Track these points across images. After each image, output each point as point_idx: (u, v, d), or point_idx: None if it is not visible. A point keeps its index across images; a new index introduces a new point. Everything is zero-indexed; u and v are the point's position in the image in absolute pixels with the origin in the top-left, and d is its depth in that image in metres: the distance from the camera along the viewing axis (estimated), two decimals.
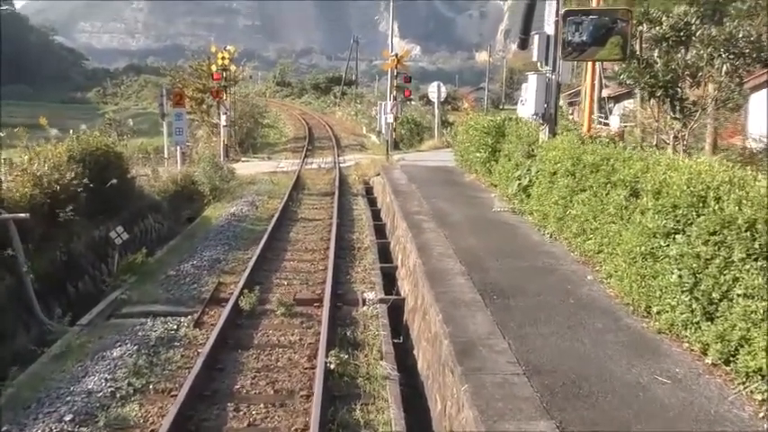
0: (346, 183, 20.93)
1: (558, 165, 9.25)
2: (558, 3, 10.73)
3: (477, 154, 14.35)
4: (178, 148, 18.58)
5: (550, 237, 9.56)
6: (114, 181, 12.03)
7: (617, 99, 44.66)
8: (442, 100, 31.45)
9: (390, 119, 26.39)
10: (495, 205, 12.02)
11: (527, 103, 11.17)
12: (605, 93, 39.58)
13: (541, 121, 11.13)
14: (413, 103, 42.18)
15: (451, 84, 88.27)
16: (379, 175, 19.11)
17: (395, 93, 29.27)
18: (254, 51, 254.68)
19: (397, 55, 28.94)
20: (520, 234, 10.06)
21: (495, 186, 13.57)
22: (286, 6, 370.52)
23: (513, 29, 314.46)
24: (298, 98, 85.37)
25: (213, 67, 25.90)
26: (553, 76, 10.94)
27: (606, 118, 38.43)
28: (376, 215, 16.17)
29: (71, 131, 13.31)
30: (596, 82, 37.55)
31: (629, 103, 45.02)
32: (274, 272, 11.04)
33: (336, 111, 60.35)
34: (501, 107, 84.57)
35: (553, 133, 11.01)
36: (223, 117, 25.08)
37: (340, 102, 66.24)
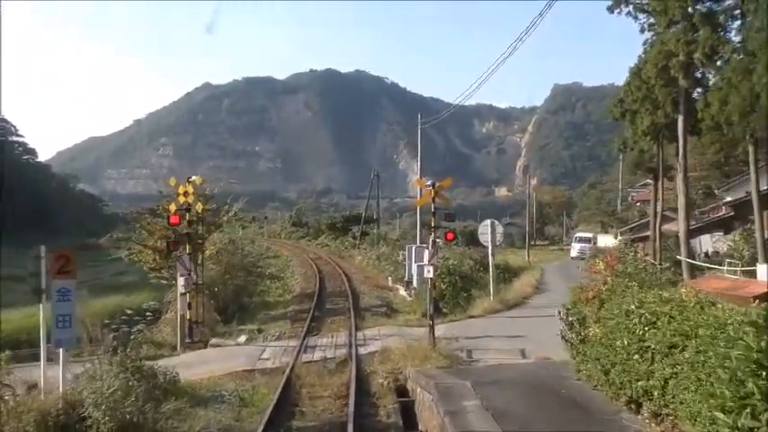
0: (368, 393, 12.26)
1: None
2: None
3: (712, 400, 5.35)
4: (61, 350, 10.14)
5: None
6: None
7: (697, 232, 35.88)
8: (498, 243, 23.07)
9: (430, 272, 18.03)
10: None
11: None
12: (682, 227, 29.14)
13: None
14: (439, 241, 33.92)
15: (473, 219, 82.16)
16: (423, 387, 10.45)
17: (432, 235, 21.06)
18: (274, 193, 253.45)
19: (434, 184, 20.96)
20: None
21: None
22: (306, 148, 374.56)
23: (532, 164, 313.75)
24: (314, 239, 78.87)
25: (172, 207, 17.70)
26: None
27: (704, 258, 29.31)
28: None
29: None
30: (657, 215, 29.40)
31: (717, 237, 35.74)
32: None
33: (356, 255, 52.18)
34: (533, 243, 76.56)
35: None
36: (181, 280, 16.65)
37: (360, 244, 58.36)
